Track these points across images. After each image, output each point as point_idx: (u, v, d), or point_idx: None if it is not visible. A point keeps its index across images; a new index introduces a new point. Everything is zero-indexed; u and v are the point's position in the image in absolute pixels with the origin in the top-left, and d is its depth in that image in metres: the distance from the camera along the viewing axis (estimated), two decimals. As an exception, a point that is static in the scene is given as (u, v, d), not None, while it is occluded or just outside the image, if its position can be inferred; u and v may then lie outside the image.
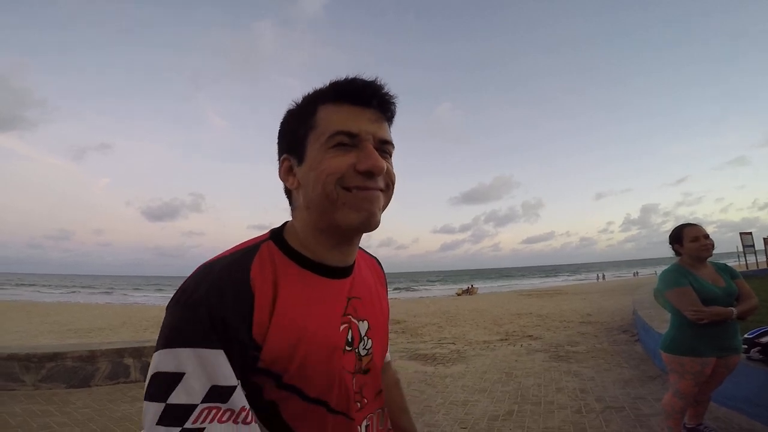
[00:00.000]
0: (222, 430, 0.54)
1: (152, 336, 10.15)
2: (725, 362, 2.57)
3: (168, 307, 0.60)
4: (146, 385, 0.56)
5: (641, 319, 6.36)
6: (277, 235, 0.69)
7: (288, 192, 0.72)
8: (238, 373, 0.58)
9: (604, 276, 53.11)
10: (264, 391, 0.61)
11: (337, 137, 0.63)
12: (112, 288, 66.61)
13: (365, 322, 0.73)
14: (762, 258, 20.75)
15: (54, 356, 4.76)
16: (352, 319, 0.71)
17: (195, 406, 0.54)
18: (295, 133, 0.68)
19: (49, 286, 71.88)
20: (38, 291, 52.20)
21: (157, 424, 0.53)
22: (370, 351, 0.73)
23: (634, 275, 52.90)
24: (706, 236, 2.63)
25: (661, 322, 5.42)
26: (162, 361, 0.55)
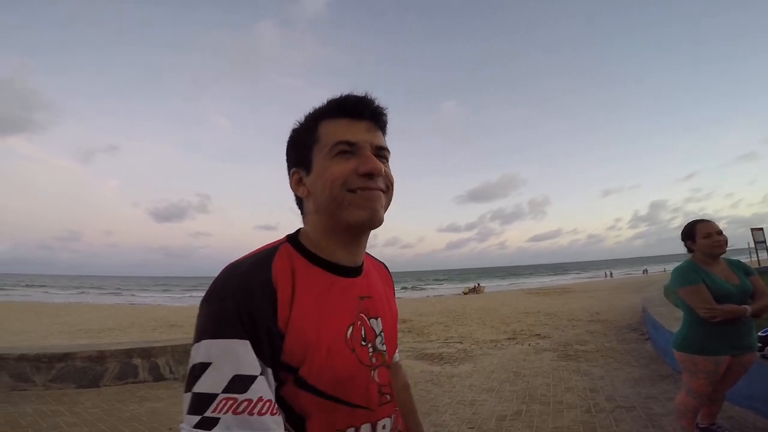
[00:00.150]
0: (235, 421, 0.58)
1: (160, 336, 10.23)
2: (740, 361, 2.52)
3: (200, 305, 0.66)
4: (186, 378, 0.62)
5: (651, 317, 6.29)
6: (292, 238, 0.77)
7: (299, 201, 0.81)
8: (268, 363, 0.63)
9: (611, 273, 52.68)
10: (284, 383, 0.66)
11: (339, 146, 0.72)
12: (120, 289, 67.16)
13: (378, 319, 0.79)
14: (774, 254, 20.46)
15: (64, 357, 4.80)
16: (364, 317, 0.76)
17: (216, 395, 0.59)
18: (301, 147, 0.77)
19: (59, 286, 72.63)
20: (48, 292, 52.76)
21: (187, 413, 0.59)
22: (379, 350, 0.78)
23: (643, 273, 52.37)
24: (719, 232, 2.57)
25: (672, 321, 5.35)
26: (194, 354, 0.62)
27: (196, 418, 0.58)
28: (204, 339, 0.61)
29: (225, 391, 0.59)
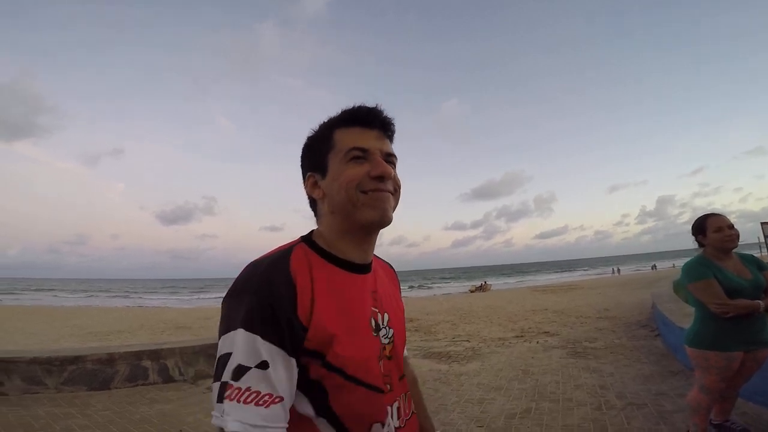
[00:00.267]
0: (237, 409, 0.65)
1: (169, 338, 10.30)
2: (754, 356, 2.48)
3: (223, 301, 0.73)
4: (214, 369, 0.70)
5: (661, 313, 6.23)
6: (306, 238, 0.84)
7: (313, 204, 0.88)
8: (290, 353, 0.69)
9: (619, 270, 52.21)
10: (310, 370, 0.72)
11: (353, 152, 0.80)
12: (128, 292, 67.72)
13: (386, 314, 0.87)
14: (785, 248, 20.21)
15: (74, 359, 4.84)
16: (375, 310, 0.84)
17: (230, 384, 0.66)
18: (317, 153, 0.84)
19: (68, 290, 73.29)
20: (57, 295, 53.26)
21: (216, 401, 0.67)
22: (391, 339, 0.86)
23: (652, 268, 51.87)
24: (731, 226, 2.53)
25: (682, 317, 5.30)
26: (220, 346, 0.70)
27: (217, 405, 0.67)
28: (228, 332, 0.69)
29: (233, 379, 0.66)
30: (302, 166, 0.89)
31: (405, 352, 0.97)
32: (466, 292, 32.97)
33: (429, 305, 17.26)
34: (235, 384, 0.66)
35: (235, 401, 0.65)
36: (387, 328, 0.86)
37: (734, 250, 2.59)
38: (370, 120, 0.83)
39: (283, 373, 0.68)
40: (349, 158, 0.80)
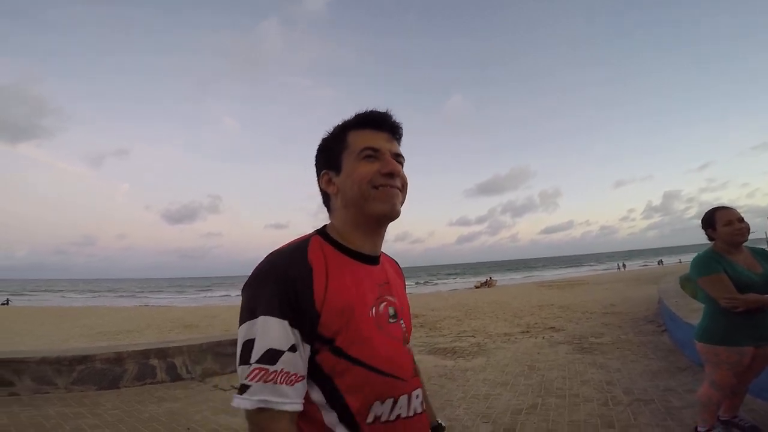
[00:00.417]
0: (261, 389, 0.73)
1: (176, 337, 10.37)
2: (764, 352, 2.45)
3: (243, 290, 0.80)
4: (237, 354, 0.76)
5: (668, 308, 6.20)
6: (321, 231, 0.90)
7: (326, 199, 0.95)
8: (306, 338, 0.76)
9: (624, 265, 51.87)
10: (320, 355, 0.78)
11: (365, 151, 0.88)
12: (136, 291, 68.19)
13: (398, 304, 0.93)
14: (792, 242, 20.03)
15: (83, 359, 4.88)
16: (390, 299, 0.91)
17: (251, 366, 0.73)
18: (332, 152, 0.92)
19: (76, 291, 73.96)
20: (65, 296, 53.76)
21: (243, 383, 0.74)
22: (406, 329, 0.93)
23: (658, 264, 51.46)
24: (741, 219, 2.50)
25: (689, 312, 5.27)
26: (245, 331, 0.76)
27: (238, 386, 0.74)
28: (250, 318, 0.75)
29: (258, 362, 0.73)
30: (317, 164, 0.96)
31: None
32: (471, 288, 32.93)
33: (434, 301, 17.26)
34: (271, 368, 0.73)
35: (262, 382, 0.72)
36: (400, 318, 0.92)
37: (745, 244, 2.56)
38: (381, 123, 0.91)
39: (304, 355, 0.76)
40: (362, 157, 0.88)
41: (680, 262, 46.06)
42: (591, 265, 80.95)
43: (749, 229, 2.51)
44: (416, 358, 1.03)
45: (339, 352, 0.78)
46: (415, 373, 0.92)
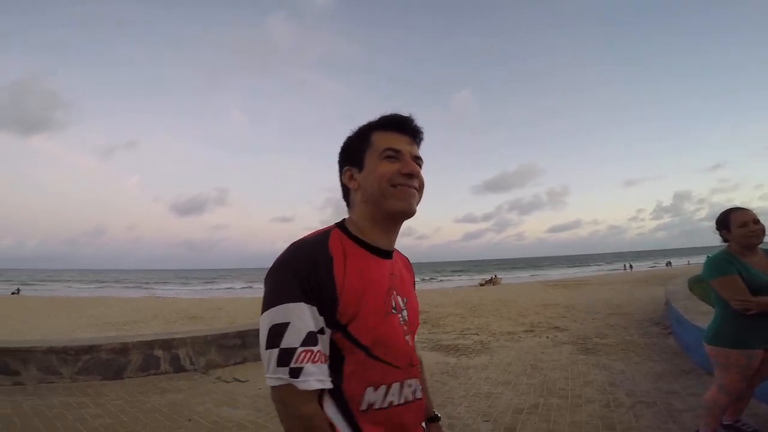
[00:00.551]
0: (314, 369, 0.79)
1: (181, 328, 10.46)
2: None
3: (268, 276, 0.85)
4: (264, 338, 0.81)
5: (675, 310, 6.13)
6: (340, 225, 0.96)
7: (346, 194, 1.01)
8: (327, 323, 0.82)
9: (631, 266, 51.37)
10: (335, 340, 0.84)
11: (387, 152, 0.94)
12: (143, 282, 68.85)
13: (405, 298, 0.99)
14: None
15: (89, 349, 4.94)
16: (394, 291, 0.95)
17: (296, 349, 0.78)
18: (355, 150, 0.98)
19: (85, 281, 74.85)
20: (74, 286, 54.42)
21: (277, 365, 0.79)
22: (405, 320, 0.97)
23: (666, 265, 50.87)
24: (756, 221, 2.45)
25: (697, 314, 5.21)
26: (274, 316, 0.80)
27: (285, 369, 0.78)
28: (282, 303, 0.80)
29: (303, 344, 0.79)
30: (340, 160, 1.02)
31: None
32: (475, 286, 32.85)
33: (438, 297, 17.23)
34: (314, 348, 0.80)
35: (311, 363, 0.79)
36: (404, 310, 0.97)
37: (760, 246, 2.52)
38: (403, 126, 0.98)
39: (324, 337, 0.83)
40: (384, 156, 0.94)
41: (689, 263, 45.56)
42: (598, 265, 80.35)
43: (764, 231, 2.46)
44: (418, 354, 1.04)
45: (349, 337, 0.84)
46: (412, 363, 0.95)
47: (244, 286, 56.53)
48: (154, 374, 5.12)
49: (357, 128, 1.01)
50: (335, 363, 0.84)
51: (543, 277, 43.15)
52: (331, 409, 0.84)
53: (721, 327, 2.50)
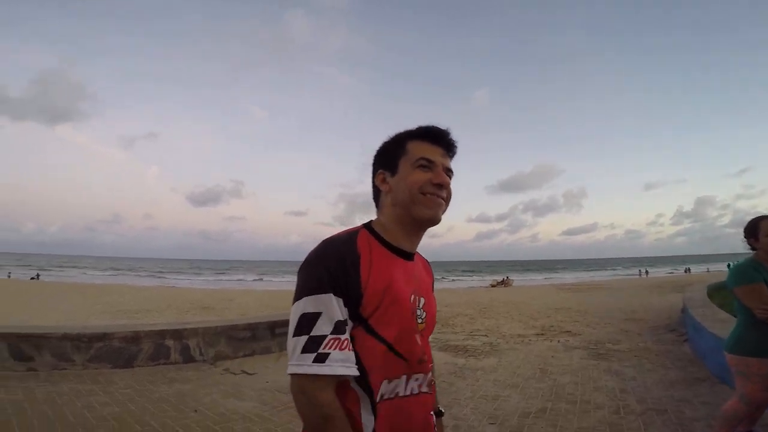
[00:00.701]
0: (340, 355, 0.83)
1: (193, 318, 10.60)
2: None
3: (301, 270, 0.90)
4: (293, 326, 0.86)
5: (692, 317, 5.98)
6: (367, 226, 1.01)
7: (376, 196, 1.06)
8: (352, 316, 0.87)
9: (647, 272, 50.42)
10: (355, 331, 0.88)
11: (421, 161, 0.99)
12: (157, 271, 70.08)
13: (422, 298, 1.03)
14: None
15: (103, 336, 5.01)
16: (415, 292, 1.00)
17: (326, 336, 0.83)
18: (391, 155, 1.03)
19: (101, 268, 76.61)
20: (91, 273, 55.73)
21: (302, 352, 0.83)
22: (424, 320, 1.02)
23: (685, 272, 49.86)
24: None
25: (715, 322, 5.08)
26: (306, 305, 0.85)
27: (312, 355, 0.82)
28: (313, 294, 0.85)
29: (332, 333, 0.84)
30: (374, 163, 1.07)
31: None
32: (486, 287, 32.66)
33: (448, 297, 17.19)
34: (342, 337, 0.84)
35: (338, 350, 0.83)
36: (421, 310, 1.01)
37: None
38: (439, 139, 1.03)
39: (349, 327, 0.88)
40: (417, 165, 0.99)
41: (708, 271, 44.58)
42: (613, 270, 79.17)
43: None
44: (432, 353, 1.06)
45: (371, 330, 0.89)
46: (423, 360, 0.99)
47: (256, 278, 57.21)
48: (164, 364, 5.18)
49: (393, 135, 1.06)
50: (356, 356, 0.88)
51: (556, 281, 42.72)
52: (354, 399, 0.89)
53: (744, 336, 2.44)
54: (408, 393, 0.96)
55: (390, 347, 0.91)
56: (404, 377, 0.95)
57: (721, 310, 6.10)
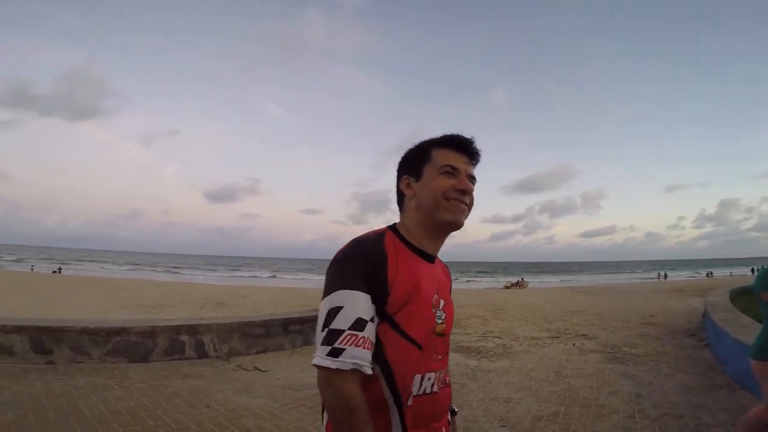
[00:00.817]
0: (356, 352, 0.85)
1: (207, 314, 10.74)
2: None
3: (331, 267, 0.94)
4: (321, 321, 0.88)
5: (714, 322, 5.82)
6: (392, 227, 1.05)
7: (400, 199, 1.10)
8: (378, 313, 0.90)
9: (666, 275, 49.31)
10: (380, 327, 0.91)
11: (445, 168, 1.03)
12: (173, 267, 71.26)
13: (443, 300, 1.05)
14: None
15: (120, 331, 5.10)
16: (436, 294, 1.02)
17: (343, 331, 0.85)
18: (416, 162, 1.07)
19: (120, 262, 78.28)
20: (110, 268, 56.96)
21: (321, 344, 0.86)
22: (443, 321, 1.04)
23: (707, 276, 48.53)
24: None
25: (737, 327, 4.93)
26: (333, 300, 0.88)
27: (328, 348, 0.85)
28: (339, 289, 0.88)
29: (350, 328, 0.85)
30: (399, 168, 1.11)
31: None
32: (500, 288, 32.39)
33: (461, 298, 17.07)
34: (360, 334, 0.85)
35: (353, 346, 0.84)
36: (441, 311, 1.04)
37: None
38: (464, 147, 1.07)
39: (373, 325, 0.89)
40: (442, 171, 1.02)
41: (731, 275, 43.44)
42: (633, 273, 77.66)
43: None
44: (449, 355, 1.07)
45: (396, 327, 0.91)
46: (439, 358, 1.02)
47: (270, 275, 57.77)
48: (179, 359, 5.25)
49: (418, 142, 1.11)
50: (382, 352, 0.91)
51: (573, 283, 42.17)
52: (379, 393, 0.91)
53: None
54: (431, 390, 0.99)
55: (414, 343, 0.93)
56: (429, 374, 0.98)
57: (745, 314, 5.92)
